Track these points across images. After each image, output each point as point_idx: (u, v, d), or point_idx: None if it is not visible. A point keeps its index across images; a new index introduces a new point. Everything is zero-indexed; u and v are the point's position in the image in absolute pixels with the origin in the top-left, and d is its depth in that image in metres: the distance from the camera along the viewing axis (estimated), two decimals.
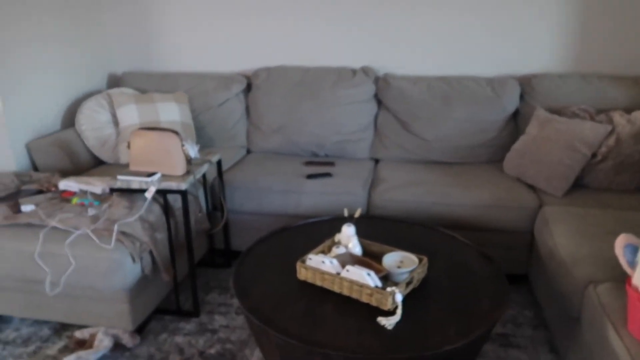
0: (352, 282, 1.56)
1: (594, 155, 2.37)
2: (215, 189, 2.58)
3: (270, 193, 2.52)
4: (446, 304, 1.56)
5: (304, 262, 1.70)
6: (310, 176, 2.57)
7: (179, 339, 2.12)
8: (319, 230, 2.08)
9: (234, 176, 2.61)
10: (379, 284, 1.56)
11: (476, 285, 1.66)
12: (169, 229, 2.13)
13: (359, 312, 1.52)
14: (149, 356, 2.01)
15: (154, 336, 2.14)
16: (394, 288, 1.50)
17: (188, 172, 2.15)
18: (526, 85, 2.80)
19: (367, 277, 1.54)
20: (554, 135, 2.42)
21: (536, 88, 2.75)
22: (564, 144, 2.37)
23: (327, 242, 1.83)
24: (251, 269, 1.78)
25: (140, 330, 2.16)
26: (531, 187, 2.46)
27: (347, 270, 1.57)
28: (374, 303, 1.54)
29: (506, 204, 2.31)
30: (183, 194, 2.06)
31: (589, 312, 1.59)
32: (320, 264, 1.64)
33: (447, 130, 2.81)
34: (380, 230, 2.07)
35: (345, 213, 1.81)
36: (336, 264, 1.63)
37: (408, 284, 1.60)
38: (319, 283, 1.65)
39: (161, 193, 2.08)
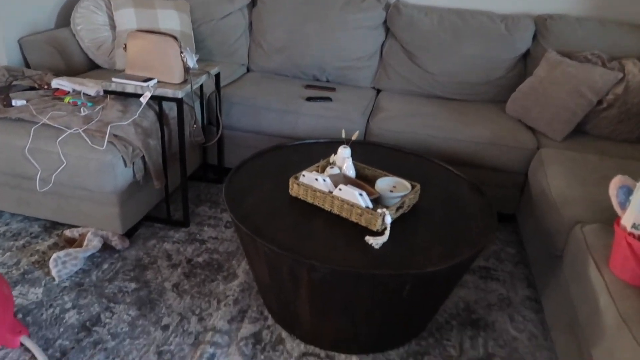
0: (343, 201, 1.56)
1: (599, 102, 2.33)
2: (212, 103, 2.53)
3: (268, 112, 2.48)
4: (434, 229, 1.57)
5: (297, 178, 1.69)
6: (309, 99, 2.52)
7: (167, 245, 2.15)
8: (314, 151, 2.06)
9: (233, 92, 2.55)
10: (370, 205, 1.56)
11: (465, 215, 1.67)
12: (162, 137, 2.10)
13: (347, 230, 1.54)
14: (137, 259, 2.05)
15: (143, 241, 2.16)
16: (384, 210, 1.51)
17: (185, 81, 2.09)
18: (541, 25, 2.70)
19: (359, 197, 1.54)
20: (562, 78, 2.36)
21: (551, 29, 2.65)
22: (570, 88, 2.32)
23: (322, 162, 1.82)
24: (244, 181, 1.78)
25: (129, 234, 2.18)
26: (531, 130, 2.44)
27: (340, 189, 1.57)
28: (363, 223, 1.55)
29: (504, 143, 2.29)
30: (178, 102, 2.01)
31: (572, 250, 1.62)
32: (313, 182, 1.63)
33: (454, 65, 2.73)
34: (376, 157, 2.05)
35: (343, 135, 1.79)
36: (329, 183, 1.63)
37: (398, 208, 1.60)
38: (310, 200, 1.66)
39: (156, 100, 2.03)
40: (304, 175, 1.66)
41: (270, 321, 1.76)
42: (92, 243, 1.99)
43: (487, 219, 1.66)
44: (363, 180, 1.81)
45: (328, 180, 1.63)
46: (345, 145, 1.80)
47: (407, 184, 1.70)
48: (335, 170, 1.74)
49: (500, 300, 1.95)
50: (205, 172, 2.74)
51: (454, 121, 2.39)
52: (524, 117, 2.47)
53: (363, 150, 2.10)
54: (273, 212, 1.59)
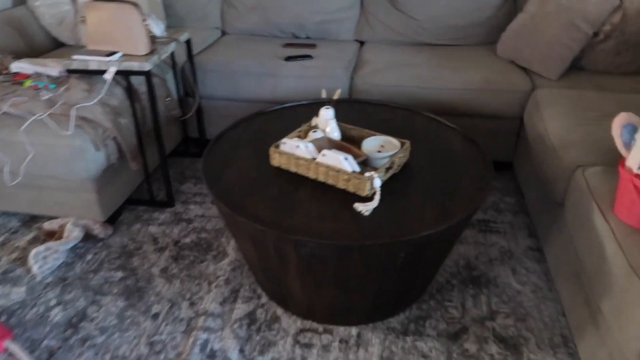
0: (328, 168, 1.46)
1: (595, 34, 2.18)
2: (186, 73, 2.38)
3: (246, 76, 2.34)
4: (427, 189, 1.47)
5: (277, 147, 1.58)
6: (289, 58, 2.37)
7: (153, 229, 2.06)
8: (296, 115, 1.94)
9: (207, 59, 2.40)
10: (357, 168, 1.45)
11: (460, 170, 1.56)
12: (134, 114, 1.97)
13: (335, 198, 1.44)
14: (122, 246, 1.96)
15: (127, 227, 2.07)
16: (372, 173, 1.40)
17: (152, 52, 1.94)
18: None
19: (344, 162, 1.43)
20: (554, 12, 2.21)
21: None
22: (564, 21, 2.17)
23: (304, 127, 1.70)
24: (223, 153, 1.66)
25: (112, 220, 2.09)
26: (525, 71, 2.30)
27: (324, 155, 1.46)
28: (351, 189, 1.45)
29: (497, 87, 2.16)
30: (147, 75, 1.87)
31: (574, 196, 1.52)
32: (294, 149, 1.52)
33: (440, 8, 2.56)
34: (362, 115, 1.93)
35: (323, 94, 1.66)
36: (312, 149, 1.52)
37: (388, 169, 1.50)
38: (293, 169, 1.55)
39: (123, 75, 1.89)
40: (284, 143, 1.54)
41: (264, 299, 1.69)
42: (73, 234, 1.90)
43: (482, 171, 1.56)
44: (350, 142, 1.70)
45: (310, 145, 1.51)
46: (327, 106, 1.67)
47: (395, 141, 1.59)
48: (319, 134, 1.63)
49: (502, 254, 1.87)
50: (187, 147, 2.63)
51: (443, 69, 2.25)
52: (516, 57, 2.33)
53: (348, 109, 1.98)
54: (255, 186, 1.49)
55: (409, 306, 1.63)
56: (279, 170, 1.57)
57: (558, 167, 1.64)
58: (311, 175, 1.52)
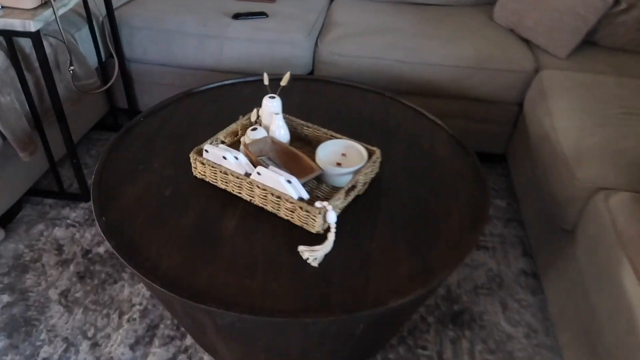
0: (266, 190, 1.05)
1: (616, 2, 1.76)
2: (107, 31, 1.89)
3: (183, 37, 1.86)
4: (400, 222, 1.09)
5: (200, 153, 1.16)
6: (238, 15, 1.89)
7: (59, 232, 1.64)
8: (238, 97, 1.50)
9: (132, 12, 1.90)
10: (305, 195, 1.05)
11: (445, 191, 1.18)
12: (25, 90, 1.50)
13: (274, 232, 1.04)
14: (16, 256, 1.55)
15: (26, 228, 1.65)
16: (324, 204, 1.00)
17: (45, 4, 1.45)
18: None
19: (287, 185, 1.02)
20: None
21: None
22: None
23: (242, 121, 1.28)
24: (129, 156, 1.23)
25: (7, 219, 1.66)
26: (527, 44, 1.88)
27: (259, 174, 1.05)
28: (296, 222, 1.06)
29: (493, 65, 1.74)
30: (34, 37, 1.39)
31: (591, 230, 1.16)
32: (221, 160, 1.10)
33: None
34: (322, 101, 1.50)
35: (265, 80, 1.23)
36: (244, 162, 1.10)
37: (350, 190, 1.10)
38: (221, 185, 1.14)
39: (5, 36, 1.41)
40: (206, 151, 1.12)
41: (188, 340, 1.32)
42: None
43: (475, 194, 1.17)
44: (302, 143, 1.29)
45: (241, 156, 1.09)
46: (272, 95, 1.24)
47: (362, 149, 1.18)
48: (260, 133, 1.21)
49: (490, 279, 1.53)
50: (116, 120, 2.16)
51: (430, 38, 1.81)
52: (517, 26, 1.90)
53: (304, 92, 1.54)
54: (166, 210, 1.08)
55: (372, 357, 1.29)
56: (202, 185, 1.15)
57: (569, 185, 1.27)
58: (244, 196, 1.11)
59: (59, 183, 1.74)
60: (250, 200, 1.10)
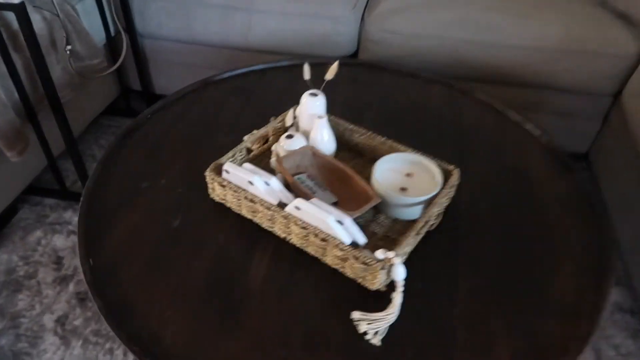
0: (307, 229, 0.77)
1: None
2: (113, 1, 1.60)
3: (204, 8, 1.56)
4: (490, 273, 0.80)
5: (218, 170, 0.88)
6: None
7: (59, 239, 1.40)
8: (267, 90, 1.20)
9: None
10: (361, 238, 0.76)
11: (547, 229, 0.88)
12: (14, 75, 1.24)
13: (317, 287, 0.76)
14: (8, 270, 1.32)
15: (22, 234, 1.42)
16: (389, 255, 0.72)
17: None
18: None
19: (337, 228, 0.74)
20: None
21: None
22: None
23: (274, 123, 0.99)
24: (126, 174, 0.97)
25: (1, 223, 1.43)
26: (625, 21, 1.52)
27: (297, 208, 0.77)
28: (348, 273, 0.78)
29: (585, 48, 1.40)
30: (18, 10, 1.12)
31: None
32: (245, 184, 0.82)
33: None
34: (376, 94, 1.20)
35: (306, 74, 0.93)
36: (276, 187, 0.81)
37: (422, 227, 0.81)
38: (247, 215, 0.86)
39: None
40: (227, 172, 0.84)
41: None
42: None
43: (591, 235, 0.87)
44: (351, 156, 0.99)
45: (275, 182, 0.81)
46: (314, 91, 0.95)
47: (433, 168, 0.88)
48: (298, 142, 0.92)
49: None
50: (129, 103, 1.89)
51: (502, 12, 1.47)
52: None
53: (352, 81, 1.24)
54: (171, 251, 0.81)
55: None
56: (222, 211, 0.88)
57: None
58: (277, 231, 0.83)
59: (59, 181, 1.50)
60: (285, 237, 0.83)
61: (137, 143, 1.02)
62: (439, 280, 0.78)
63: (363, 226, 0.84)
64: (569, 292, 0.77)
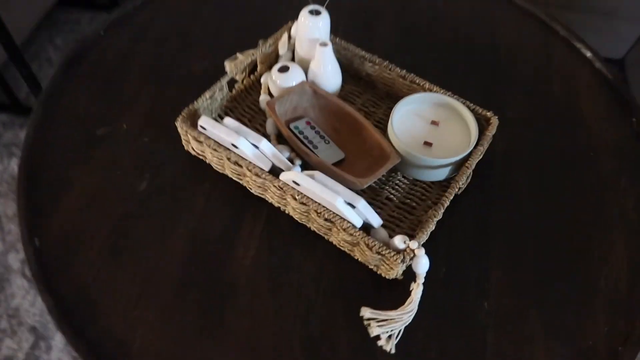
0: (307, 205, 0.61)
1: None
2: None
3: None
4: (528, 254, 0.66)
5: (193, 119, 0.68)
6: None
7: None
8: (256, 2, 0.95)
9: None
10: (375, 220, 0.61)
11: (601, 194, 0.72)
12: None
13: (320, 271, 0.63)
14: None
15: None
16: (410, 244, 0.57)
17: None
18: None
19: (347, 211, 0.58)
20: None
21: None
22: None
23: (263, 47, 0.77)
24: (76, 118, 0.77)
25: None
26: None
27: (296, 184, 0.59)
28: (357, 257, 0.63)
29: None
30: None
31: None
32: (226, 142, 0.63)
33: None
34: (387, 4, 0.96)
35: None
36: (268, 150, 0.63)
37: (446, 189, 0.65)
38: (233, 176, 0.69)
39: None
40: (203, 128, 0.64)
41: None
42: None
43: None
44: (360, 89, 0.80)
45: (265, 145, 0.62)
46: (316, 7, 0.72)
47: (466, 114, 0.70)
48: (294, 76, 0.72)
49: None
50: None
51: None
52: None
53: None
54: (138, 224, 0.66)
55: None
56: (201, 168, 0.70)
57: None
58: (270, 199, 0.67)
59: (9, 93, 1.28)
60: (281, 207, 0.67)
61: (88, 73, 0.80)
62: (466, 264, 0.64)
63: (375, 189, 0.68)
64: (622, 283, 0.64)
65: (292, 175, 0.58)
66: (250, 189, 0.67)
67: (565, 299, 0.62)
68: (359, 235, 0.58)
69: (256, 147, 0.61)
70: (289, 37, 0.77)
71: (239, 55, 0.79)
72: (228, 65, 0.78)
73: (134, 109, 0.76)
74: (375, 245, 0.58)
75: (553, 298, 0.62)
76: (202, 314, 0.59)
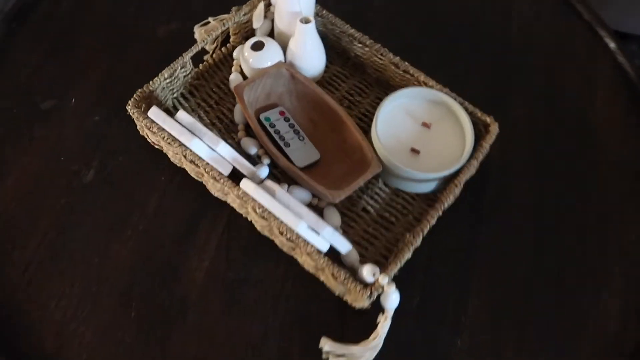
0: (268, 220, 0.53)
1: None
2: None
3: None
4: (515, 284, 0.59)
5: (147, 103, 0.59)
6: None
7: None
8: None
9: None
10: (343, 246, 0.53)
11: (605, 217, 0.65)
12: None
13: (284, 293, 0.57)
14: None
15: None
16: (380, 279, 0.50)
17: None
18: None
19: (310, 237, 0.50)
20: None
21: None
22: None
23: (236, 15, 0.66)
24: (18, 88, 0.67)
25: None
26: None
27: (259, 194, 0.51)
28: (323, 279, 0.56)
29: None
30: None
31: None
32: (187, 140, 0.55)
33: None
34: None
35: None
36: (227, 153, 0.54)
37: (431, 204, 0.58)
38: (191, 173, 0.61)
39: None
40: (156, 115, 0.55)
41: None
42: None
43: None
44: (348, 72, 0.70)
45: (224, 148, 0.53)
46: None
47: (463, 117, 0.61)
48: (270, 54, 0.62)
49: None
50: None
51: None
52: None
53: None
54: (78, 225, 0.58)
55: None
56: (157, 157, 0.62)
57: None
58: (233, 204, 0.59)
59: None
60: (243, 214, 0.59)
61: (33, 32, 0.70)
62: (442, 292, 0.58)
63: (351, 198, 0.61)
64: (611, 328, 0.58)
65: (250, 189, 0.50)
66: (211, 190, 0.60)
67: (547, 340, 0.57)
68: (323, 262, 0.51)
69: (212, 150, 0.52)
70: (268, 6, 0.66)
71: (211, 21, 0.68)
72: (198, 32, 0.67)
73: (86, 79, 0.67)
74: (340, 275, 0.51)
75: (534, 338, 0.57)
76: (145, 337, 0.53)
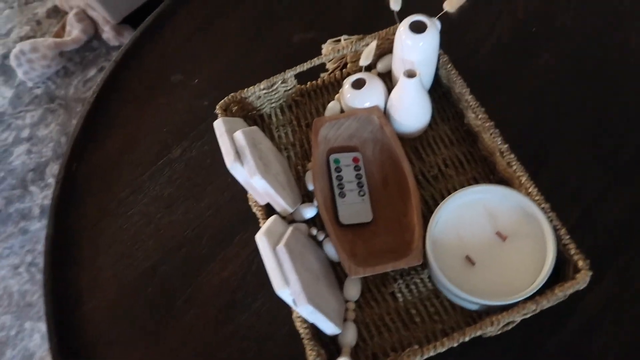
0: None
1: None
2: None
3: None
4: None
5: (239, 103, 0.60)
6: None
7: None
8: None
9: None
10: (328, 328, 0.48)
11: None
12: None
13: (272, 330, 0.55)
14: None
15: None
16: None
17: None
18: None
19: (289, 300, 0.46)
20: None
21: None
22: None
23: (359, 44, 0.62)
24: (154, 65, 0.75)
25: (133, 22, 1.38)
26: None
27: (270, 255, 0.49)
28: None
29: None
30: None
31: None
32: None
33: None
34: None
35: (395, 4, 0.50)
36: (261, 186, 0.52)
37: (468, 323, 0.48)
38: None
39: None
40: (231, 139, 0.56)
41: None
42: (73, 33, 1.29)
43: None
44: (450, 152, 0.60)
45: (258, 181, 0.51)
46: (421, 18, 0.54)
47: (549, 241, 0.48)
48: (370, 95, 0.58)
49: None
50: None
51: None
52: None
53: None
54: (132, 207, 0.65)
55: None
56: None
57: None
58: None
59: None
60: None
61: (191, 12, 0.77)
62: None
63: (385, 277, 0.54)
64: None
65: (258, 236, 0.49)
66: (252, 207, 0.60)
67: None
68: (302, 332, 0.48)
69: (248, 180, 0.52)
70: (376, 49, 0.60)
71: (343, 40, 0.65)
72: (325, 48, 0.66)
73: (217, 63, 0.71)
74: (310, 354, 0.47)
75: None
76: (149, 314, 0.58)
